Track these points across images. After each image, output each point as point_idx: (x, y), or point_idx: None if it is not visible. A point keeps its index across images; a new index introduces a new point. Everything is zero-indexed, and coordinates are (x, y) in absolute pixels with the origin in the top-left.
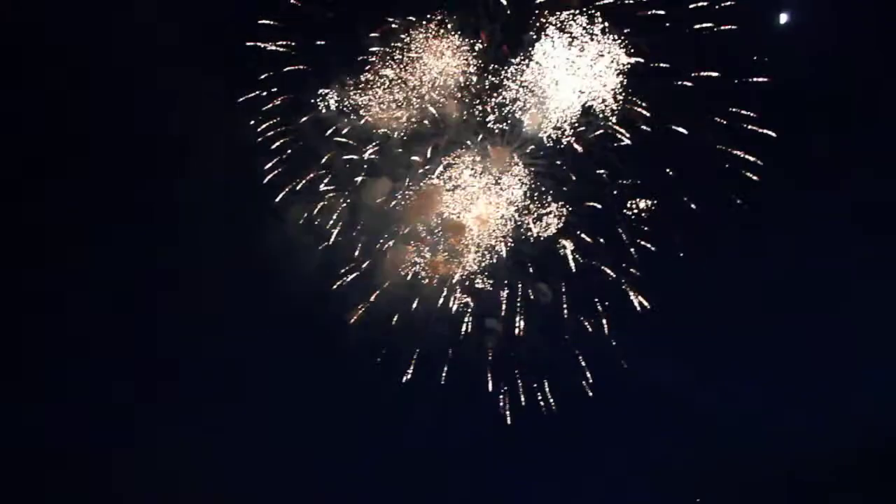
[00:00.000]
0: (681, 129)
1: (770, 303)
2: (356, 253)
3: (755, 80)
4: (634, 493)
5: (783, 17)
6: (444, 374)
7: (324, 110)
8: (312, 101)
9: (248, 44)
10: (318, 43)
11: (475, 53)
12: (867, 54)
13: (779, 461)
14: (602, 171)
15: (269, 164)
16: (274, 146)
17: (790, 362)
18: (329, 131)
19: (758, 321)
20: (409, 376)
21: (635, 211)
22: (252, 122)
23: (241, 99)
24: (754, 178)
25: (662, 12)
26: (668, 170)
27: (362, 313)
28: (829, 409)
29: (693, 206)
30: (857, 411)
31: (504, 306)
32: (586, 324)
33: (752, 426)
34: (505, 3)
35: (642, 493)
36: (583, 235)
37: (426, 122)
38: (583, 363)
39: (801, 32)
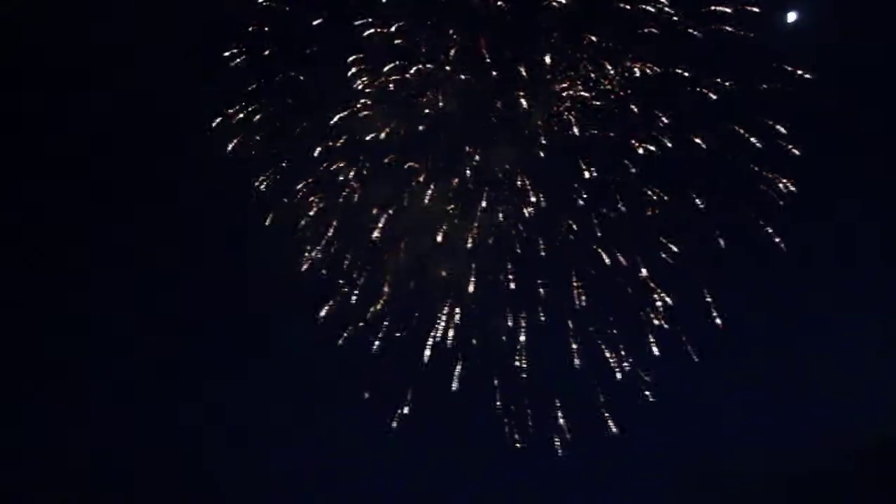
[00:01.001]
0: (701, 143)
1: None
2: (357, 265)
3: (772, 86)
4: None
5: (791, 16)
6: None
7: (315, 119)
8: (305, 109)
9: (232, 51)
10: (308, 50)
11: (475, 58)
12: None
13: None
14: (612, 180)
15: (258, 179)
16: (263, 158)
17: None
18: (322, 140)
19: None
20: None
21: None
22: (239, 136)
23: (230, 110)
24: (781, 202)
25: (675, 18)
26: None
27: (355, 332)
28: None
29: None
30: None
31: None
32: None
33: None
34: (506, 7)
35: None
36: (597, 248)
37: (422, 128)
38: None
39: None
